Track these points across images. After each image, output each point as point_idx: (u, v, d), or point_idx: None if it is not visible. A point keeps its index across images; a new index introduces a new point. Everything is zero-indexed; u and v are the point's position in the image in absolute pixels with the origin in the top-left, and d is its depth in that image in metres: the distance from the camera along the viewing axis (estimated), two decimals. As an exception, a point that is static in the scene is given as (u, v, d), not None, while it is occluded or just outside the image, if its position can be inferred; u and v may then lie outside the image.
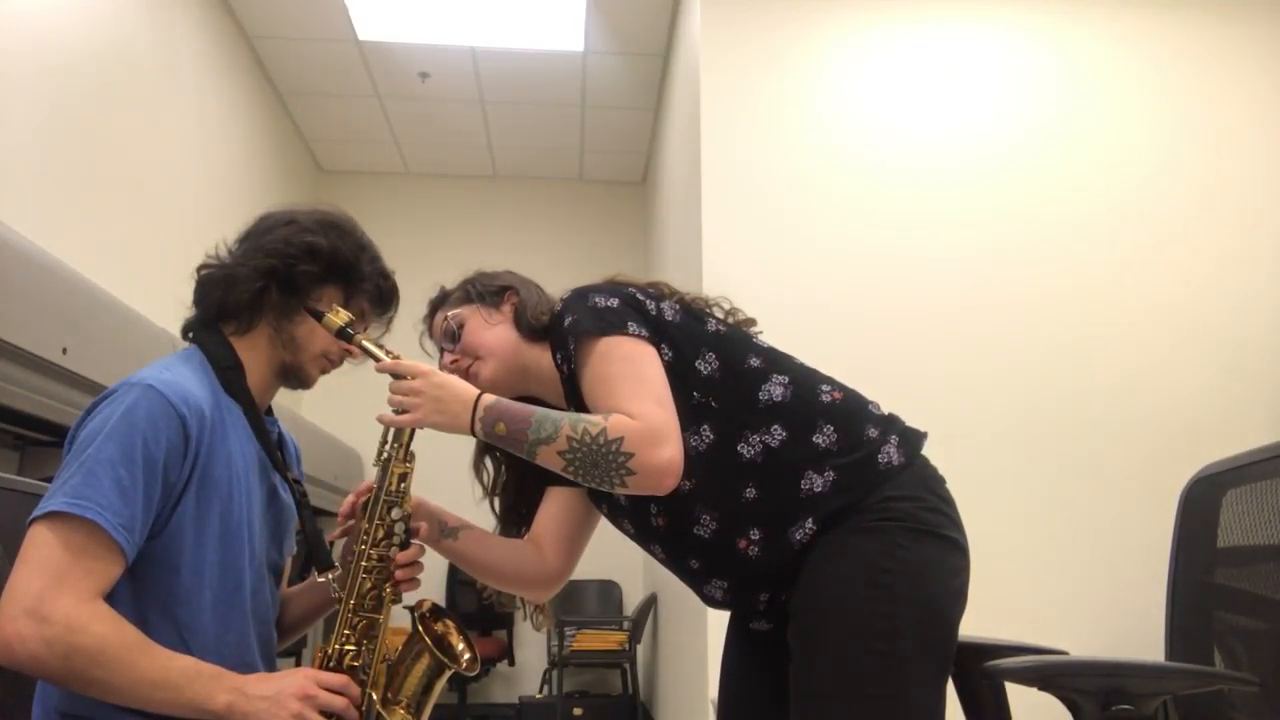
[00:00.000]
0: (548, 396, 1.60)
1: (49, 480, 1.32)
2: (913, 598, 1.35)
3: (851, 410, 1.49)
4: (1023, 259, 3.40)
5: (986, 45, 3.62)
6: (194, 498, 1.34)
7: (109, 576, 1.26)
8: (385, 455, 1.50)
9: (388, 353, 1.48)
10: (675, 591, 4.25)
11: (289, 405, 4.21)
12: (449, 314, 1.64)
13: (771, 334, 3.38)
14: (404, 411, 1.44)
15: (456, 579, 5.78)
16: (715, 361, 1.49)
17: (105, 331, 2.65)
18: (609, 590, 5.94)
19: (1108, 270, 3.40)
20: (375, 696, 1.43)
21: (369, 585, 1.46)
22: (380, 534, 1.47)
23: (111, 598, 1.27)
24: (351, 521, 1.54)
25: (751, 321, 1.66)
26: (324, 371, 1.54)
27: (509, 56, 5.01)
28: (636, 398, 1.38)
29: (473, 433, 1.42)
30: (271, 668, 1.46)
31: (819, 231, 3.41)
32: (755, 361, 1.51)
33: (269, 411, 1.54)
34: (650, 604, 5.16)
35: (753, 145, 3.46)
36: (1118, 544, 3.13)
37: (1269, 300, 3.43)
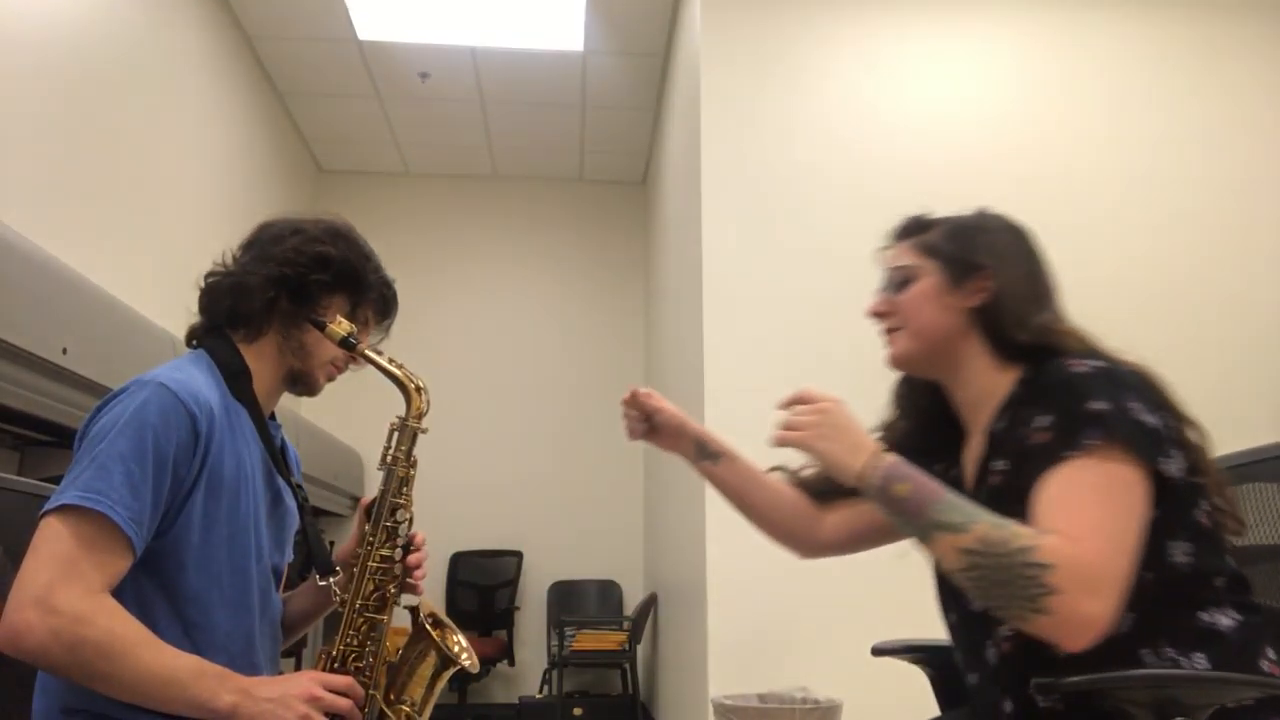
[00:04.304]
0: (960, 403, 1.44)
1: (49, 480, 1.33)
2: None
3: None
4: (1023, 259, 3.40)
5: (987, 45, 3.62)
6: (202, 495, 1.35)
7: (118, 570, 1.27)
8: (389, 459, 1.51)
9: (390, 360, 1.50)
10: (675, 591, 4.25)
11: (289, 406, 4.22)
12: (907, 262, 1.47)
13: (771, 333, 3.39)
14: (795, 433, 1.35)
15: (456, 579, 5.79)
16: (1184, 556, 1.24)
17: (105, 331, 2.66)
18: (609, 590, 5.94)
19: (1107, 269, 3.40)
20: (378, 697, 1.44)
21: (372, 587, 1.47)
22: (384, 536, 1.49)
23: (119, 594, 1.27)
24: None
25: (1239, 523, 1.34)
26: (330, 378, 1.56)
27: (509, 56, 5.01)
28: (1098, 530, 1.16)
29: (859, 479, 1.27)
30: (274, 670, 1.48)
31: (819, 231, 3.41)
32: (1220, 582, 1.25)
33: (272, 417, 1.56)
34: (650, 604, 5.16)
35: (753, 145, 3.46)
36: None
37: (1269, 300, 3.43)
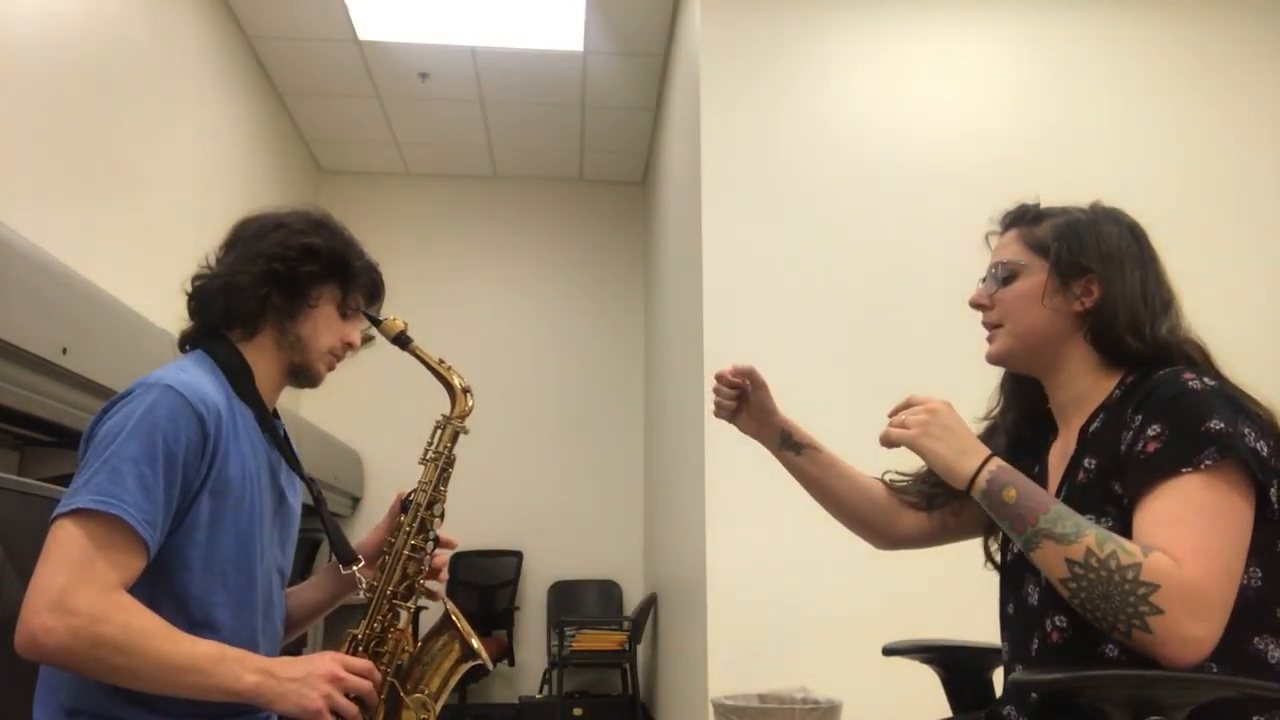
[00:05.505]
0: (1055, 401, 1.44)
1: (49, 480, 1.33)
2: None
3: None
4: (1023, 259, 3.40)
5: (987, 43, 3.62)
6: (209, 496, 1.37)
7: (132, 570, 1.28)
8: (430, 455, 1.57)
9: (439, 362, 1.57)
10: (675, 591, 4.25)
11: (288, 406, 4.22)
12: (1012, 258, 1.43)
13: (772, 333, 3.38)
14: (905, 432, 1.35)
15: (456, 579, 5.78)
16: (1253, 581, 1.22)
17: (105, 331, 2.65)
18: (609, 590, 5.95)
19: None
20: (396, 683, 1.49)
21: (401, 575, 1.53)
22: (418, 528, 1.55)
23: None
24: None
25: None
26: (330, 368, 1.57)
27: (509, 56, 5.01)
28: (1206, 552, 1.15)
29: (971, 481, 1.28)
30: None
31: (819, 231, 3.41)
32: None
33: (275, 415, 1.56)
34: (650, 604, 5.16)
35: (753, 145, 3.46)
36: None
37: (1269, 300, 3.43)
